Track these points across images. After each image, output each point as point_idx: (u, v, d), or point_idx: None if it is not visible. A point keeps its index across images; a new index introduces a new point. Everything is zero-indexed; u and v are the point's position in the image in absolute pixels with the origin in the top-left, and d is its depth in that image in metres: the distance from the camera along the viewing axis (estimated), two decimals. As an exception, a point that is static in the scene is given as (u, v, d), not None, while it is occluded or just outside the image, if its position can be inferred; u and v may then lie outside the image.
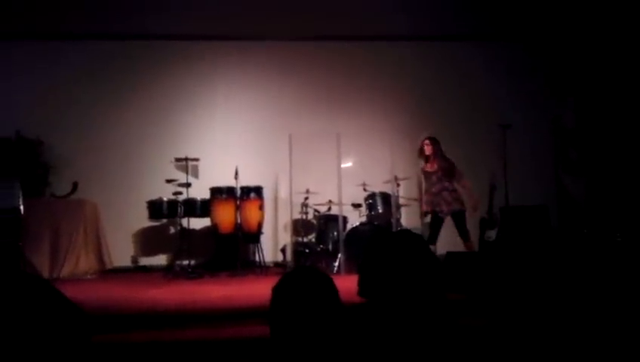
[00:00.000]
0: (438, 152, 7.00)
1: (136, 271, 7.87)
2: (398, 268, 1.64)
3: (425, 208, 7.15)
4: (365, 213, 7.57)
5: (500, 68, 8.61)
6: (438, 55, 8.64)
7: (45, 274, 6.84)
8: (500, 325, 3.86)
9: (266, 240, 7.85)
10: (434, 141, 7.03)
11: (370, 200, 7.52)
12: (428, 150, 7.00)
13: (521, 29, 8.48)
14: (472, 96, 8.55)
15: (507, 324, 3.88)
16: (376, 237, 1.79)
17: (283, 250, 7.97)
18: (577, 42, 8.57)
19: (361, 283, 1.71)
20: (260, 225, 7.47)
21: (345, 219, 7.57)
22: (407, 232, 1.85)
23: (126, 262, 8.01)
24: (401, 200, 7.83)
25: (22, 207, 6.84)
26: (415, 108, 8.46)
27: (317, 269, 1.71)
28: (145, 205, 7.38)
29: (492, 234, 6.90)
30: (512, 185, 7.16)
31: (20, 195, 6.88)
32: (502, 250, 6.39)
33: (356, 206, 7.69)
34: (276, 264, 8.01)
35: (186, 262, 7.34)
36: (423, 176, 7.17)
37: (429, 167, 7.05)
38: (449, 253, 5.90)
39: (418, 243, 1.73)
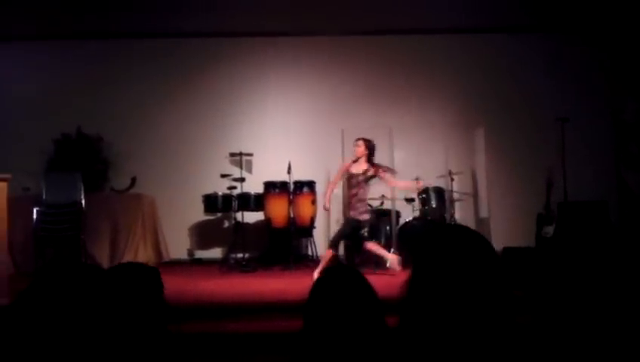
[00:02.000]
0: (368, 156, 6.52)
1: (192, 264, 8.04)
2: (457, 264, 1.61)
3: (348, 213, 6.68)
4: (418, 208, 7.51)
5: (557, 60, 8.35)
6: (494, 47, 8.45)
7: (105, 265, 7.04)
8: (554, 322, 3.77)
9: (318, 234, 7.90)
10: (368, 144, 6.55)
11: (424, 195, 7.44)
12: (359, 152, 6.51)
13: (580, 20, 8.19)
14: (528, 89, 8.33)
15: (562, 321, 3.78)
16: (431, 232, 1.76)
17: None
18: (638, 33, 8.24)
19: (413, 280, 1.69)
20: (312, 220, 7.52)
21: (397, 213, 7.53)
22: (464, 227, 1.80)
23: (182, 254, 8.20)
24: (455, 195, 7.72)
25: (83, 201, 7.09)
26: (469, 102, 8.32)
27: (352, 268, 1.71)
28: (200, 199, 7.52)
29: (550, 230, 6.75)
30: (571, 180, 6.96)
31: (82, 190, 7.14)
32: (559, 246, 6.23)
33: (409, 201, 7.63)
34: (329, 259, 8.03)
35: (240, 256, 7.45)
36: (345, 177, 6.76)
37: (353, 169, 6.56)
38: (505, 249, 5.80)
39: (477, 238, 1.70)
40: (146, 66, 8.41)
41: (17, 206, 5.87)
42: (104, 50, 8.44)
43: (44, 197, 7.13)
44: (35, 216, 6.91)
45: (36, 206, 6.98)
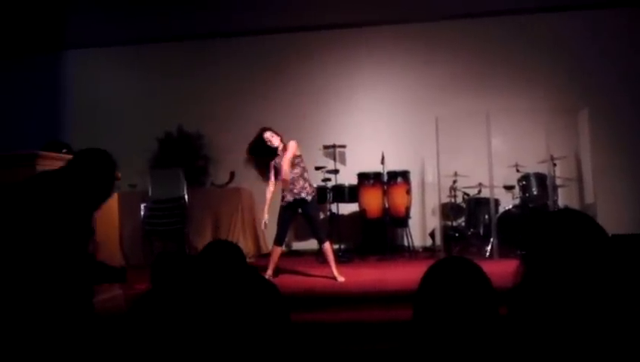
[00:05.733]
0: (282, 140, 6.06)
1: (289, 255, 8.18)
2: (568, 249, 1.55)
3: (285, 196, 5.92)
4: (519, 196, 7.24)
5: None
6: (595, 24, 8.00)
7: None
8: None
9: (414, 224, 7.82)
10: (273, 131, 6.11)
11: (524, 182, 7.17)
12: (276, 143, 6.00)
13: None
14: (635, 67, 7.83)
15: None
16: (538, 219, 1.70)
17: (432, 235, 7.88)
18: None
19: (526, 269, 1.64)
20: (407, 210, 7.45)
21: (496, 201, 7.31)
22: (572, 211, 1.73)
23: (280, 246, 8.35)
24: (558, 181, 7.39)
25: (186, 196, 7.40)
26: (571, 82, 7.92)
27: (466, 259, 1.67)
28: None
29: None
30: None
31: (185, 185, 7.46)
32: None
33: (508, 188, 7.39)
34: (425, 248, 7.94)
35: (336, 246, 7.51)
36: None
37: (279, 159, 5.93)
38: (613, 236, 5.50)
39: (587, 222, 1.62)
40: (240, 64, 8.64)
41: (125, 202, 6.20)
42: (200, 50, 8.76)
43: (150, 193, 7.51)
44: (142, 211, 7.29)
45: (143, 201, 7.37)
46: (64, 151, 5.01)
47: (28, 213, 2.55)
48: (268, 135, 5.99)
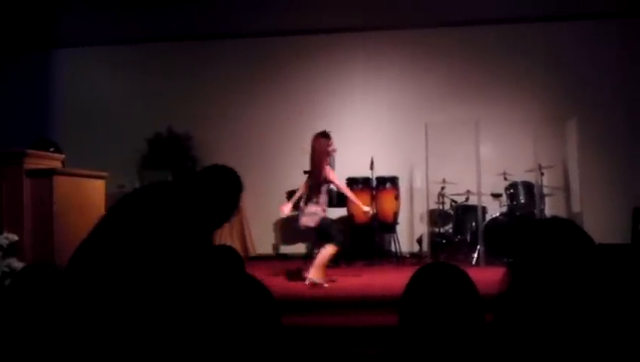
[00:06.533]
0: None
1: (277, 259, 8.17)
2: (554, 257, 1.56)
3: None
4: (506, 204, 7.28)
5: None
6: (584, 34, 8.08)
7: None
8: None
9: (402, 230, 7.84)
10: None
11: (512, 190, 7.21)
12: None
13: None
14: (622, 78, 7.91)
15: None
16: (526, 227, 1.71)
17: (419, 241, 7.90)
18: None
19: (512, 276, 1.64)
20: (395, 215, 7.47)
21: (484, 209, 7.35)
22: (561, 219, 1.75)
23: (267, 249, 8.36)
24: (545, 190, 7.43)
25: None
26: (560, 92, 7.99)
27: (452, 265, 1.68)
28: (284, 195, 7.64)
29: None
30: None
31: (173, 186, 7.42)
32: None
33: (496, 196, 7.42)
34: (412, 254, 7.96)
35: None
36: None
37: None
38: (600, 245, 5.53)
39: (574, 230, 1.64)
40: (230, 66, 8.64)
41: (113, 203, 6.15)
42: (191, 51, 8.75)
43: (137, 194, 7.47)
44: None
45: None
46: (52, 150, 4.97)
47: (155, 222, 2.46)
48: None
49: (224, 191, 2.81)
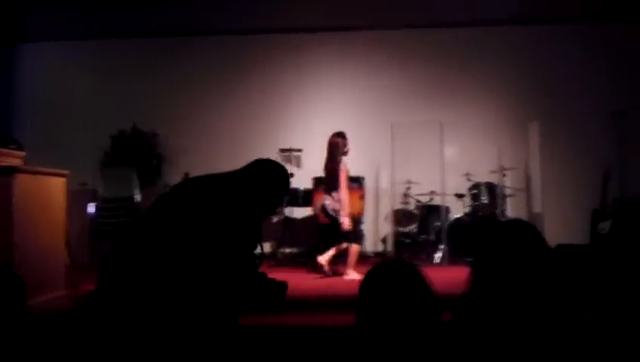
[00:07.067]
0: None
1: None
2: (513, 258, 1.60)
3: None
4: (469, 204, 7.40)
5: (613, 51, 8.05)
6: (547, 39, 8.24)
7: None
8: (612, 321, 3.67)
9: (367, 230, 7.88)
10: None
11: (475, 191, 7.33)
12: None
13: (635, 8, 7.89)
14: (583, 82, 8.09)
15: (620, 320, 3.68)
16: (487, 227, 1.75)
17: (384, 240, 7.97)
18: None
19: (473, 276, 1.68)
20: (360, 215, 7.50)
21: (448, 209, 7.45)
22: (519, 221, 1.79)
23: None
24: (508, 191, 7.58)
25: (138, 196, 7.28)
26: (523, 95, 8.14)
27: (405, 261, 1.69)
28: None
29: (605, 226, 6.56)
30: (628, 174, 6.75)
31: (137, 185, 7.34)
32: (616, 244, 6.05)
33: (459, 196, 7.53)
34: (377, 254, 8.02)
35: (289, 250, 7.51)
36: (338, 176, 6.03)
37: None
38: (559, 246, 5.67)
39: (532, 233, 1.68)
40: (198, 63, 8.56)
41: (74, 200, 6.06)
42: (157, 47, 8.65)
43: (100, 192, 7.36)
44: (91, 211, 7.14)
45: (93, 200, 7.21)
46: (12, 147, 4.86)
47: (203, 212, 2.42)
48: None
49: (274, 184, 2.82)
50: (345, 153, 6.11)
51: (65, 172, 4.87)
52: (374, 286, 1.62)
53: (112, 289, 2.18)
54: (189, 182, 2.82)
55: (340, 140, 6.12)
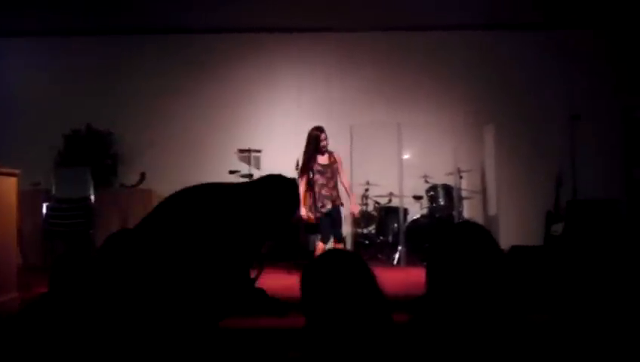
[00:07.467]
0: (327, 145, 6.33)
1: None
2: (463, 260, 1.61)
3: (325, 204, 6.09)
4: (426, 206, 7.49)
5: (568, 57, 8.26)
6: (503, 44, 8.40)
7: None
8: (564, 321, 3.76)
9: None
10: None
11: (432, 193, 7.43)
12: (326, 143, 6.26)
13: (591, 16, 8.13)
14: (538, 87, 8.29)
15: (571, 320, 3.77)
16: (440, 230, 1.77)
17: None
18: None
19: (428, 278, 1.69)
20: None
21: (405, 211, 7.52)
22: (470, 224, 1.81)
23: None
24: (464, 193, 7.71)
25: (93, 196, 7.13)
26: (479, 99, 8.28)
27: (346, 251, 1.68)
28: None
29: (558, 228, 6.71)
30: (581, 178, 6.93)
31: (91, 185, 7.18)
32: (569, 245, 6.20)
33: (417, 198, 7.62)
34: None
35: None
36: (316, 172, 6.16)
37: (325, 160, 6.26)
38: (514, 247, 5.78)
39: (482, 234, 1.70)
40: (156, 62, 8.43)
41: (27, 200, 5.91)
42: (115, 45, 8.47)
43: (53, 192, 7.19)
44: (44, 211, 6.97)
45: (46, 201, 7.04)
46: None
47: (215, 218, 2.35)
48: (325, 135, 6.25)
49: (284, 200, 2.77)
50: (319, 147, 6.18)
51: (16, 171, 4.74)
52: (312, 281, 1.60)
53: (64, 291, 2.13)
54: (199, 187, 2.77)
55: (314, 133, 6.23)
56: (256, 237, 2.59)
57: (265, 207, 2.57)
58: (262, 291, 2.76)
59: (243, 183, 2.95)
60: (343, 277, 1.56)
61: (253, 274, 3.14)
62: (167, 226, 2.38)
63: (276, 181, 2.78)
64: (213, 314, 2.29)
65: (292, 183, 2.85)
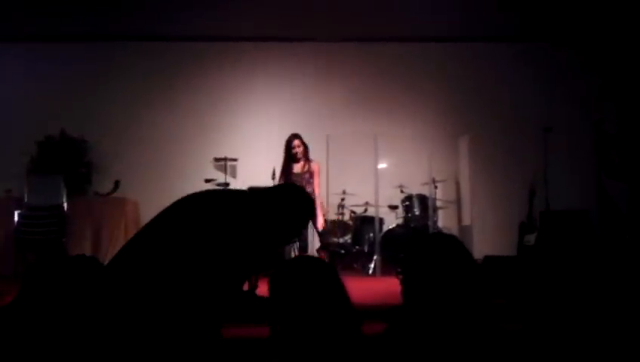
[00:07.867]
0: (306, 153, 6.43)
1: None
2: (437, 271, 1.63)
3: None
4: (402, 215, 7.54)
5: (541, 70, 8.43)
6: (478, 56, 8.53)
7: (87, 270, 6.97)
8: (538, 330, 3.81)
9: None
10: (302, 140, 6.46)
11: (407, 203, 7.49)
12: (300, 151, 6.37)
13: (566, 30, 8.29)
14: (512, 99, 8.42)
15: (545, 329, 3.82)
16: (414, 241, 1.79)
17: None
18: (621, 45, 8.35)
19: (403, 288, 1.70)
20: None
21: (381, 220, 7.56)
22: (443, 235, 1.84)
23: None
24: (439, 203, 7.77)
25: (65, 204, 7.03)
26: (454, 110, 8.38)
27: (314, 258, 1.68)
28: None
29: (531, 238, 6.79)
30: (553, 189, 7.03)
31: (64, 193, 7.08)
32: (541, 255, 6.28)
33: (393, 208, 7.67)
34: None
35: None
36: (292, 180, 6.23)
37: (298, 169, 6.39)
38: (487, 257, 5.83)
39: (455, 245, 1.73)
40: (131, 70, 8.38)
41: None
42: (89, 52, 8.40)
43: (25, 199, 7.07)
44: (16, 219, 6.85)
45: (17, 208, 6.92)
46: None
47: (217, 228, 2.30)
48: (297, 142, 6.34)
49: (296, 212, 2.72)
50: (292, 154, 6.31)
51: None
52: (279, 288, 1.60)
53: (35, 298, 2.10)
54: (206, 193, 2.74)
55: (287, 139, 6.37)
56: (270, 246, 2.57)
57: (281, 217, 2.56)
58: (262, 298, 2.73)
59: (257, 191, 2.90)
60: (307, 285, 1.56)
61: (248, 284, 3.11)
62: (170, 232, 2.38)
63: (292, 191, 2.76)
64: (215, 321, 2.28)
65: (307, 195, 2.83)
